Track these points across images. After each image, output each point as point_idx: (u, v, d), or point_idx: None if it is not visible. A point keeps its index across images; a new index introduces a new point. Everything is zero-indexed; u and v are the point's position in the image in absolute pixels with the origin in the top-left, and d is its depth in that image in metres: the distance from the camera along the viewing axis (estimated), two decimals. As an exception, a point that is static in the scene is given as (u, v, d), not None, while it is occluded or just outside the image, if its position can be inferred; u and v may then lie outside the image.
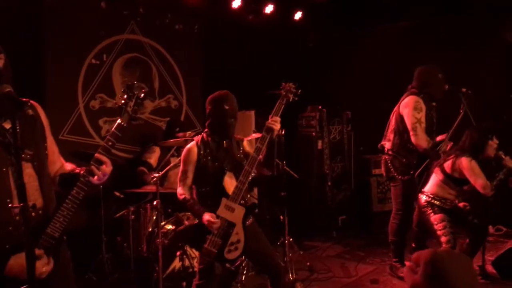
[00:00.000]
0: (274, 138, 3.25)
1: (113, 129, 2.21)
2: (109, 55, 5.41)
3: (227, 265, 3.26)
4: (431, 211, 4.28)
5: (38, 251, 1.97)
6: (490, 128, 4.36)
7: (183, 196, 3.30)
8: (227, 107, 3.32)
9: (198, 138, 3.44)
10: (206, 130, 3.44)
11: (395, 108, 4.75)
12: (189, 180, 3.33)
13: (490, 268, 4.60)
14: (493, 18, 5.76)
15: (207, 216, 3.16)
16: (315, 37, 7.74)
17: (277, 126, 3.24)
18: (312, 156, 6.60)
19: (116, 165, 2.29)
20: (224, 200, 3.23)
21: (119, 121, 2.22)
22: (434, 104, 4.66)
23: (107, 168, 2.18)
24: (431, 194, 4.32)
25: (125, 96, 2.25)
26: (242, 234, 3.25)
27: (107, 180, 2.22)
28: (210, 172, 3.33)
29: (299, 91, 3.44)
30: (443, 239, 4.19)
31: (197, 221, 3.33)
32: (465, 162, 4.18)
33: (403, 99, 4.63)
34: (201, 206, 3.26)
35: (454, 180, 4.26)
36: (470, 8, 6.15)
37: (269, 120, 3.26)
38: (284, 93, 3.40)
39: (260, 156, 3.23)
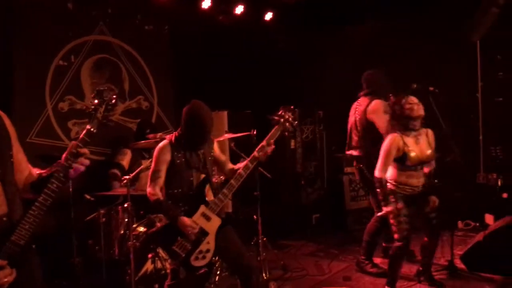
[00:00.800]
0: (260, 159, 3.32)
1: (82, 135, 2.17)
2: (77, 56, 5.33)
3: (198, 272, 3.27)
4: (393, 200, 3.94)
5: (0, 262, 1.94)
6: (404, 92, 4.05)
7: (155, 197, 3.24)
8: (202, 136, 3.30)
9: (171, 136, 3.39)
10: (177, 134, 3.40)
11: (356, 116, 4.80)
12: (162, 180, 3.28)
13: (458, 262, 4.70)
14: (456, 18, 5.89)
15: (188, 222, 3.16)
16: (286, 38, 7.78)
17: (269, 152, 3.31)
18: (285, 156, 6.64)
19: (86, 168, 2.26)
20: (202, 207, 3.25)
21: (88, 126, 2.18)
22: None
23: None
24: (393, 180, 4.01)
25: (96, 102, 2.20)
26: (213, 244, 3.26)
27: (80, 175, 2.18)
28: (184, 174, 3.30)
29: (296, 122, 3.51)
30: (395, 235, 3.97)
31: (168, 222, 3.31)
32: (391, 138, 3.90)
33: (367, 105, 4.68)
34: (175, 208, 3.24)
35: (397, 160, 3.96)
36: (435, 9, 6.29)
37: (262, 147, 3.30)
38: (282, 121, 3.42)
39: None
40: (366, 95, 4.79)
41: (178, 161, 3.28)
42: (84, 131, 2.17)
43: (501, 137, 6.13)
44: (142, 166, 4.47)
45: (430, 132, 4.09)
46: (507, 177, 5.82)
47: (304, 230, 6.50)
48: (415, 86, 4.57)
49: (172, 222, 3.22)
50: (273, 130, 3.39)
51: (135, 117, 5.77)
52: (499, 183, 5.78)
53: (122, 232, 4.42)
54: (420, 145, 3.95)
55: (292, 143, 6.68)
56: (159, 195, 3.25)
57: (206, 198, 3.31)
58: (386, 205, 3.97)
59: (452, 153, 4.60)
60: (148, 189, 3.28)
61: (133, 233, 4.14)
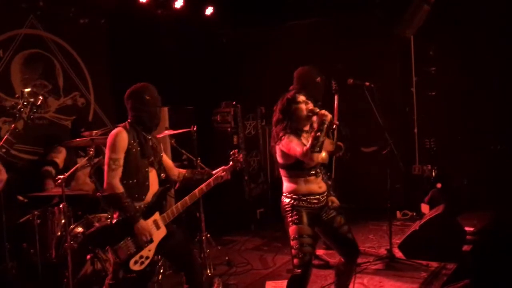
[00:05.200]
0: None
1: (7, 135, 2.09)
2: (7, 51, 5.04)
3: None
4: (290, 218, 3.24)
5: None
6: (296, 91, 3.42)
7: (120, 191, 3.02)
8: (148, 97, 3.25)
9: (124, 124, 3.23)
10: (129, 121, 3.25)
11: None
12: (121, 170, 3.07)
13: (397, 251, 4.86)
14: (391, 14, 6.08)
15: (147, 227, 3.11)
16: (228, 33, 7.75)
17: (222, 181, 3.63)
18: (228, 152, 6.59)
19: (17, 168, 2.17)
20: (156, 215, 3.23)
21: (13, 126, 2.11)
22: (319, 103, 4.81)
23: (1, 175, 2.05)
24: (291, 193, 3.26)
25: (20, 102, 2.15)
26: (152, 253, 3.22)
27: (4, 186, 2.09)
28: (139, 164, 3.17)
29: (243, 165, 3.80)
30: (295, 260, 3.19)
31: (110, 221, 3.22)
32: (284, 141, 3.19)
33: None
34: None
35: (292, 167, 3.25)
36: (371, 5, 6.47)
37: (219, 176, 3.59)
38: (235, 159, 3.73)
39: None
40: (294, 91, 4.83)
41: (133, 150, 3.14)
42: (9, 131, 2.10)
43: (434, 130, 6.40)
44: (78, 165, 4.32)
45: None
46: (440, 168, 6.08)
47: (249, 225, 6.52)
48: (351, 81, 4.69)
49: (129, 221, 3.08)
50: (229, 165, 3.69)
51: (70, 114, 5.53)
52: (433, 174, 6.03)
53: (59, 234, 4.24)
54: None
55: (235, 139, 6.67)
56: (120, 188, 3.03)
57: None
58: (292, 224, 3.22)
59: (388, 146, 4.75)
60: (111, 181, 3.02)
61: (71, 234, 3.99)
